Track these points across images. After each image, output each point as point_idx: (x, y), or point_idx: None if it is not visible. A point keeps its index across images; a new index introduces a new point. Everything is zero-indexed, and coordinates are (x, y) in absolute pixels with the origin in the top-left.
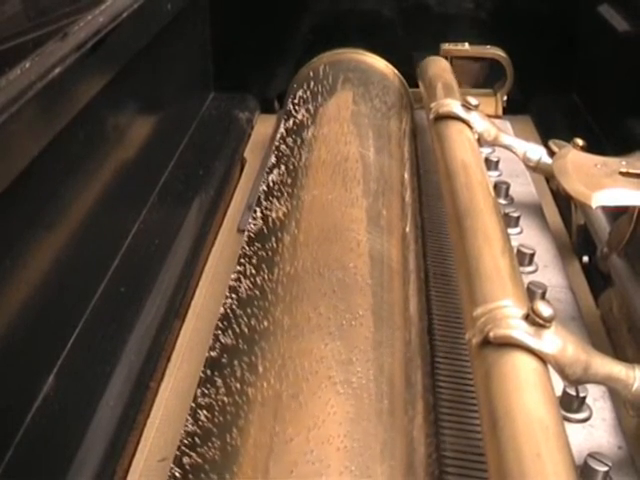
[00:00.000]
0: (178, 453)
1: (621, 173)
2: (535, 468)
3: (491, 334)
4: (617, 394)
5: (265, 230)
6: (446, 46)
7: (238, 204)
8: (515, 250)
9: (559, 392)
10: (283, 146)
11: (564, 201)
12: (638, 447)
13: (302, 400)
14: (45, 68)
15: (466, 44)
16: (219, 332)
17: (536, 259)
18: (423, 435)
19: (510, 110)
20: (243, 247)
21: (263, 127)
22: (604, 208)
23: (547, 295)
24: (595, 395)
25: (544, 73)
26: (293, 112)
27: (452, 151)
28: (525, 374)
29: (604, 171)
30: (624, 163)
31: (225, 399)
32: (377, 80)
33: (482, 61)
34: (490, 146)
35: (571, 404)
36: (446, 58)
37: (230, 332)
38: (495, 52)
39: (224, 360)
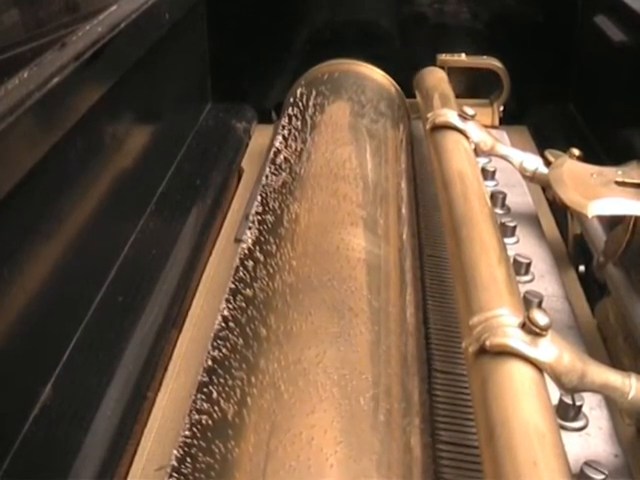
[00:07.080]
0: (175, 462)
1: (617, 182)
2: (531, 476)
3: (487, 343)
4: (613, 402)
5: (262, 240)
6: (443, 56)
7: (235, 214)
8: (511, 259)
9: (555, 400)
10: (280, 156)
11: (560, 211)
12: (634, 455)
13: (300, 408)
14: (43, 78)
15: (463, 54)
16: (216, 342)
17: (532, 268)
18: (419, 443)
19: (506, 120)
20: (240, 257)
21: (260, 137)
22: (600, 218)
23: (543, 304)
24: (591, 404)
25: (540, 83)
26: (290, 122)
27: (449, 161)
28: (521, 382)
29: (600, 181)
30: (620, 173)
31: (222, 409)
32: (374, 90)
33: (479, 71)
34: (487, 156)
35: (567, 412)
36: (443, 68)
37: (227, 342)
38: (491, 62)
39: (221, 370)
